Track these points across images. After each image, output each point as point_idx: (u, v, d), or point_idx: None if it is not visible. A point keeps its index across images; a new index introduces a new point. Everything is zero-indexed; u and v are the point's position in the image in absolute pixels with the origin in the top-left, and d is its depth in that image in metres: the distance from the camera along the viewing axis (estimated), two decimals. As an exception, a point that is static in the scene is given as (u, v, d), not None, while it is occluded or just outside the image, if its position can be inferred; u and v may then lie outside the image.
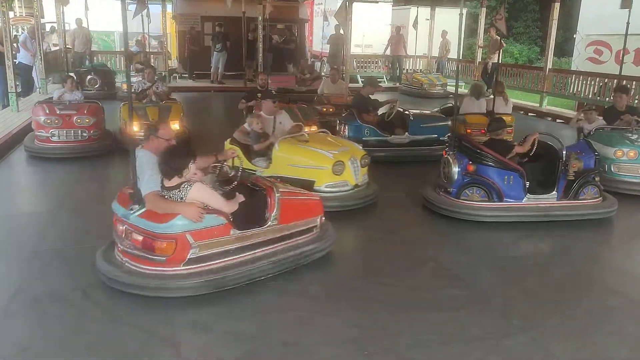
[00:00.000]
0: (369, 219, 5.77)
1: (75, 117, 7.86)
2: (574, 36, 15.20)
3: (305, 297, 3.98)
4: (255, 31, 16.39)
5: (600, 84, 12.26)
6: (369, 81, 9.21)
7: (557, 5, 12.83)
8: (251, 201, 4.14)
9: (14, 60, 11.12)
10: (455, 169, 5.70)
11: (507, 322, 3.72)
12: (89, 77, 13.58)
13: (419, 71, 17.67)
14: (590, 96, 12.61)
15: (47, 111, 7.83)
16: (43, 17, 15.02)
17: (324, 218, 4.62)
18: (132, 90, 8.54)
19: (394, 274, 4.45)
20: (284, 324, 3.57)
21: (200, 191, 3.79)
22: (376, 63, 18.76)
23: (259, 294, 3.97)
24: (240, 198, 4.03)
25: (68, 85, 8.61)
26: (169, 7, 19.03)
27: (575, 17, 15.59)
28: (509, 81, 15.36)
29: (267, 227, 4.13)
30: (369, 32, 19.25)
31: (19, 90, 11.96)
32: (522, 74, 15.19)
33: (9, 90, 10.79)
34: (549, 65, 13.75)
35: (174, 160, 3.78)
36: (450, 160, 5.76)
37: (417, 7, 18.40)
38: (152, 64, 14.79)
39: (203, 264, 3.80)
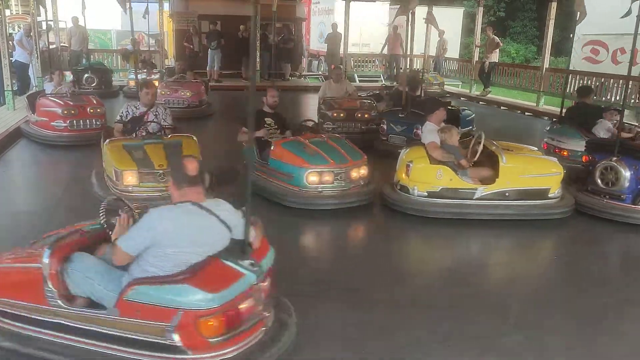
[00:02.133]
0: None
1: (88, 108, 8.45)
2: (571, 36, 15.23)
3: (303, 296, 3.97)
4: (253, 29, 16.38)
5: (597, 83, 12.29)
6: (415, 80, 9.37)
7: (554, 4, 12.86)
8: None
9: (10, 59, 11.09)
10: (627, 174, 5.59)
11: (504, 321, 3.74)
12: (86, 75, 13.58)
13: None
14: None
15: (62, 102, 8.37)
16: (39, 16, 14.94)
17: None
18: (121, 115, 6.21)
19: (393, 274, 4.46)
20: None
21: None
22: (373, 62, 18.77)
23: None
24: None
25: (56, 79, 8.83)
26: (166, 6, 18.97)
27: (572, 17, 15.60)
28: (505, 80, 15.43)
29: None
30: (367, 31, 19.25)
31: (15, 88, 11.93)
32: (519, 73, 15.22)
33: (5, 89, 10.78)
34: (546, 65, 13.79)
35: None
36: (619, 166, 5.65)
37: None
38: (153, 62, 14.81)
39: None
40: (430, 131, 5.79)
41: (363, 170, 5.89)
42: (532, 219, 5.59)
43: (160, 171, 5.43)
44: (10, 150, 8.25)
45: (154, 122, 6.07)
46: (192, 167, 2.90)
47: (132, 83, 13.86)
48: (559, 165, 5.68)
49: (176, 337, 2.70)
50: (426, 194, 5.53)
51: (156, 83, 12.27)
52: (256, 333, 2.97)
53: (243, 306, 2.84)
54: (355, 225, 5.73)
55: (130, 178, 5.41)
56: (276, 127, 6.43)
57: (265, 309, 3.04)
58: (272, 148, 5.88)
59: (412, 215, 5.57)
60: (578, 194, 5.91)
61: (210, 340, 2.75)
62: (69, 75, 13.86)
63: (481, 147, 5.56)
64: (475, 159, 5.58)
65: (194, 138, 5.98)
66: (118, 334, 2.81)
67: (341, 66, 12.08)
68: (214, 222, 2.90)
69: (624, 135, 7.00)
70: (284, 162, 5.78)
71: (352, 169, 5.77)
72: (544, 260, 5.23)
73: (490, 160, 5.66)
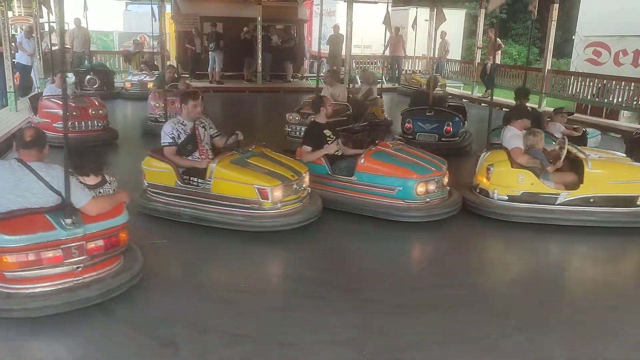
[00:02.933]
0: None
1: (90, 109, 8.55)
2: (573, 37, 15.22)
3: (304, 297, 3.98)
4: (255, 30, 16.39)
5: (599, 85, 12.28)
6: (433, 81, 9.99)
7: (556, 6, 12.85)
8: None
9: (13, 60, 11.11)
10: None
11: (504, 323, 3.73)
12: (88, 77, 13.63)
13: (417, 72, 17.68)
14: (589, 97, 12.63)
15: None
16: (42, 17, 14.98)
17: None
18: (172, 136, 5.27)
19: (394, 275, 4.45)
20: (282, 324, 3.57)
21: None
22: (375, 64, 18.78)
23: (258, 294, 3.98)
24: None
25: (57, 81, 8.88)
26: (168, 7, 18.99)
27: (574, 19, 15.60)
28: (507, 82, 15.40)
29: None
30: (368, 33, 19.28)
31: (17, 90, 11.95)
32: (521, 75, 15.19)
33: (7, 90, 10.80)
34: (548, 67, 13.77)
35: (100, 159, 4.38)
36: None
37: (417, 8, 18.40)
38: (155, 63, 14.79)
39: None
40: (514, 136, 5.69)
41: (448, 176, 5.76)
42: (619, 226, 5.41)
43: (295, 182, 5.10)
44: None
45: (236, 134, 5.54)
46: (28, 134, 3.65)
47: (128, 85, 13.90)
48: None
49: None
50: (507, 197, 5.48)
51: (149, 85, 12.29)
52: (62, 280, 3.54)
53: (46, 254, 3.43)
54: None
55: (277, 194, 4.95)
56: (335, 137, 5.99)
57: (82, 264, 3.58)
58: (361, 161, 5.51)
59: (492, 219, 5.53)
60: None
61: (5, 273, 3.39)
62: (71, 77, 13.90)
63: (565, 152, 5.49)
64: (560, 163, 5.49)
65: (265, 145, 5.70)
66: None
67: (335, 68, 11.58)
68: (32, 179, 3.49)
69: (575, 134, 7.33)
70: (380, 174, 5.46)
71: (444, 175, 5.65)
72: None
73: (573, 166, 5.55)
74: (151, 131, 9.30)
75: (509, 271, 4.80)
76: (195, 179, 5.10)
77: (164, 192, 5.27)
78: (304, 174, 5.25)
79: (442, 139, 8.38)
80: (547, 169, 5.49)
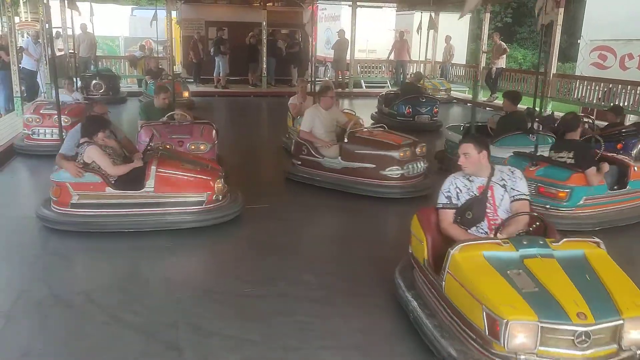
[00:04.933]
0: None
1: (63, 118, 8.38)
2: (578, 41, 15.18)
3: (309, 301, 3.97)
4: (259, 35, 16.43)
5: (605, 89, 12.24)
6: (419, 76, 10.99)
7: (561, 10, 12.82)
8: (135, 170, 5.14)
9: (19, 65, 11.18)
10: None
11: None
12: (94, 81, 13.69)
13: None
14: (594, 101, 12.59)
15: (32, 111, 8.46)
16: (48, 22, 15.04)
17: (213, 196, 5.18)
18: (448, 194, 3.53)
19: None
20: (286, 328, 3.56)
21: (92, 152, 4.98)
22: (380, 68, 18.79)
23: (263, 298, 3.97)
24: (133, 165, 5.11)
25: (66, 88, 8.93)
26: (174, 12, 19.07)
27: (579, 22, 15.57)
28: (512, 86, 15.37)
29: (143, 192, 5.05)
30: (373, 37, 19.30)
31: (24, 95, 12.00)
32: (526, 79, 15.16)
33: (14, 95, 10.86)
34: (553, 70, 13.73)
35: (89, 126, 5.17)
36: None
37: (421, 12, 18.41)
38: (160, 67, 14.81)
39: (82, 210, 5.00)
40: None
41: None
42: None
43: (581, 329, 2.66)
44: (19, 156, 8.30)
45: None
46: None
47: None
48: None
49: None
50: None
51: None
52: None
53: None
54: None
55: (522, 337, 2.69)
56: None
57: None
58: (635, 169, 5.57)
59: None
60: None
61: None
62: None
63: None
64: None
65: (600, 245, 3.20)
66: None
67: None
68: None
69: None
70: None
71: None
72: None
73: None
74: None
75: None
76: None
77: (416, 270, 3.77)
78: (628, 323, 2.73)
79: (433, 119, 11.15)
80: None
